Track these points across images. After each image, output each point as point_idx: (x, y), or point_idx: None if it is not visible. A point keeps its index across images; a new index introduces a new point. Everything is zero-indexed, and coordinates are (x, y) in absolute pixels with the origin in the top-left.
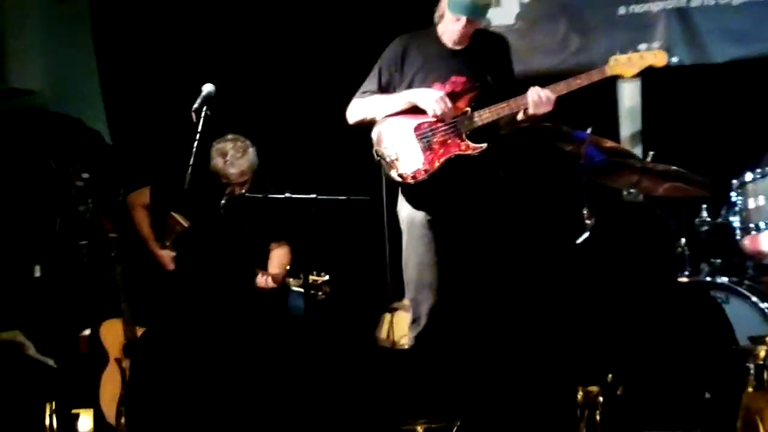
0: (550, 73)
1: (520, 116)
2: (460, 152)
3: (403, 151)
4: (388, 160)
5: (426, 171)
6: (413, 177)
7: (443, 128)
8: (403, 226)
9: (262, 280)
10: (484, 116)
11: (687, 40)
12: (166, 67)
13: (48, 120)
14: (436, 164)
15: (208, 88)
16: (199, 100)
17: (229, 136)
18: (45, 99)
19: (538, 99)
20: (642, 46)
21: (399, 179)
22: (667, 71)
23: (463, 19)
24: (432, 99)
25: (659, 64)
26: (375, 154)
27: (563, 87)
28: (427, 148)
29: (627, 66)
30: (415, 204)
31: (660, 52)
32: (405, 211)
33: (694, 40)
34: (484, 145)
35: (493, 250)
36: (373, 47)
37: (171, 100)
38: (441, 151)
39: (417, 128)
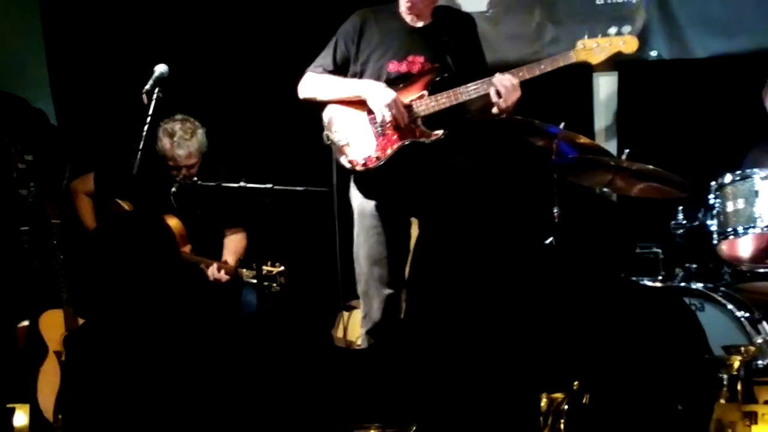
0: (522, 63)
1: (494, 110)
2: (415, 139)
3: (354, 137)
4: (338, 145)
5: (378, 158)
6: (364, 164)
7: None
8: (354, 215)
9: (214, 272)
10: (440, 101)
11: (667, 32)
12: (116, 44)
13: None
14: (389, 151)
15: (160, 68)
16: (151, 81)
17: (178, 116)
18: None
19: (504, 91)
20: (612, 30)
21: (349, 165)
22: (646, 65)
23: None
24: (383, 103)
25: (628, 51)
26: (325, 138)
27: (525, 72)
28: (381, 134)
29: (594, 52)
30: (367, 193)
31: (630, 38)
32: (356, 200)
33: (675, 33)
34: (440, 133)
35: (450, 244)
36: (333, 26)
37: (121, 80)
38: (395, 137)
39: (370, 112)
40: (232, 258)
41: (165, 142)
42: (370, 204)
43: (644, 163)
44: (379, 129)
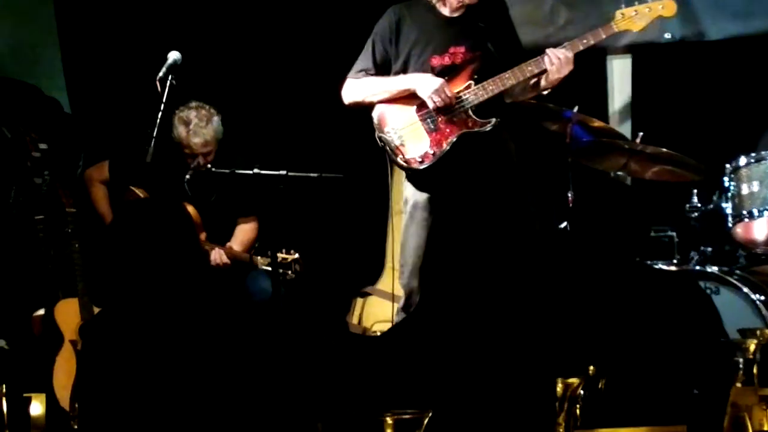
0: (536, 47)
1: (543, 83)
2: (468, 130)
3: (407, 135)
4: (392, 145)
5: (434, 154)
6: (420, 162)
7: None
8: (406, 207)
9: (216, 257)
10: (489, 88)
11: (681, 15)
12: (129, 32)
13: (3, 86)
14: (444, 146)
15: (174, 55)
16: (164, 69)
17: (193, 104)
18: (1, 64)
19: (557, 62)
20: None
21: (405, 165)
22: (659, 48)
23: None
24: (431, 89)
25: (668, 14)
26: (378, 141)
27: (570, 47)
28: (433, 129)
29: (635, 19)
30: (421, 186)
31: (669, 2)
32: (409, 191)
33: (689, 16)
34: (494, 120)
35: (496, 234)
36: (348, 11)
37: (135, 67)
38: (448, 130)
39: (419, 108)
40: (238, 247)
41: (181, 130)
42: (423, 197)
43: (658, 146)
44: (431, 125)
